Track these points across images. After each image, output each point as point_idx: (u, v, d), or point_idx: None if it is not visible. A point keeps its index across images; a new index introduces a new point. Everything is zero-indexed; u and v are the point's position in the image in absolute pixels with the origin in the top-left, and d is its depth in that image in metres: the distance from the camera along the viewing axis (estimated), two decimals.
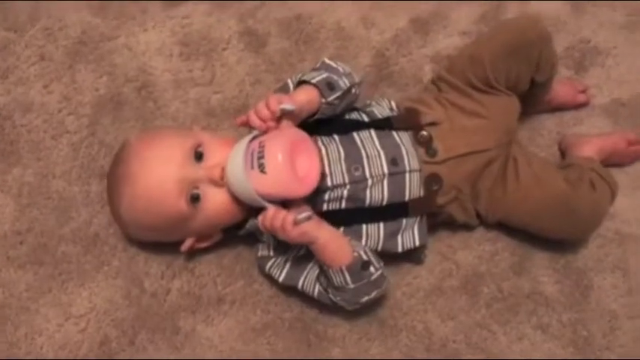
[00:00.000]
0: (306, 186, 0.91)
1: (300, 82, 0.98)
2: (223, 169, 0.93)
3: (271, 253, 1.01)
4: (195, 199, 0.94)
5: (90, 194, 1.10)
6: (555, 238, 1.07)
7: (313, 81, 0.96)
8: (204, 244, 1.03)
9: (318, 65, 1.03)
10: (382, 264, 0.96)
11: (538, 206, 1.02)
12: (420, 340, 1.04)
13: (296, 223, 0.89)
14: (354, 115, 1.04)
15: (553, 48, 1.07)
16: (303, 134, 0.94)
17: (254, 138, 0.93)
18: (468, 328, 1.05)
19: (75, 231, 1.07)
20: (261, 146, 0.90)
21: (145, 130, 1.12)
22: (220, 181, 0.93)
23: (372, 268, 0.94)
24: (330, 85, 0.97)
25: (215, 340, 1.02)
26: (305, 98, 0.95)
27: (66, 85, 1.18)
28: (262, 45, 1.24)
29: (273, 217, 0.90)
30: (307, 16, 1.27)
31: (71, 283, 1.04)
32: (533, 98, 1.12)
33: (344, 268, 0.92)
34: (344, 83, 0.98)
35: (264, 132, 0.93)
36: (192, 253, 1.06)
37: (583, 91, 1.22)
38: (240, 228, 1.02)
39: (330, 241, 0.93)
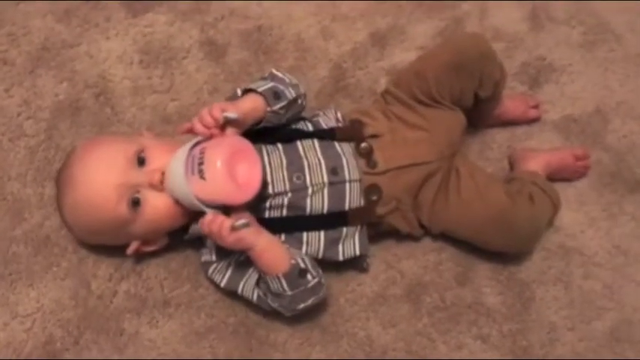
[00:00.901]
0: (245, 193, 0.93)
1: (247, 91, 1.00)
2: (163, 174, 0.95)
3: (213, 258, 1.02)
4: (135, 203, 0.96)
5: (44, 197, 1.12)
6: (496, 250, 1.09)
7: (259, 89, 0.98)
8: (150, 248, 1.04)
9: (265, 75, 1.05)
10: (321, 272, 0.98)
11: (478, 219, 1.04)
12: (360, 347, 1.05)
13: (233, 229, 0.91)
14: (300, 125, 1.06)
15: (498, 65, 1.09)
16: (245, 142, 0.96)
17: (196, 144, 0.95)
18: (408, 337, 1.06)
19: (27, 232, 1.09)
20: (202, 152, 0.92)
21: (92, 137, 1.15)
22: (160, 186, 0.95)
23: (309, 276, 0.96)
24: (276, 95, 0.99)
25: (158, 342, 1.04)
26: (250, 106, 0.97)
27: (26, 90, 1.20)
28: (222, 55, 1.27)
29: (211, 221, 0.92)
30: (268, 28, 1.30)
31: (20, 282, 1.06)
32: (480, 112, 1.15)
33: (281, 275, 0.94)
34: (290, 93, 1.01)
35: (208, 138, 0.96)
36: (141, 257, 1.08)
37: (535, 107, 1.24)
38: (185, 233, 1.04)
39: (268, 248, 0.95)
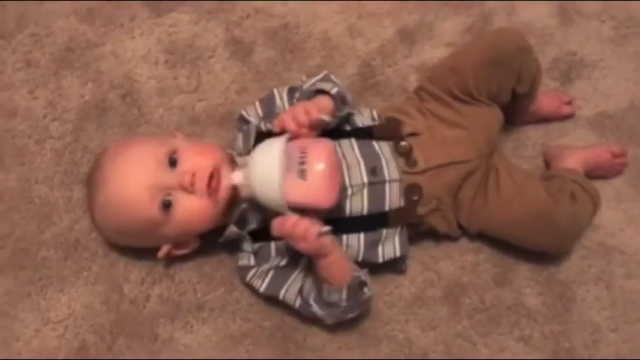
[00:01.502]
0: (333, 199, 0.91)
1: (317, 92, 0.98)
2: (194, 176, 0.92)
3: (252, 263, 1.00)
4: (167, 205, 0.93)
5: (72, 200, 1.10)
6: (536, 249, 1.07)
7: (332, 92, 0.96)
8: (181, 252, 1.02)
9: (321, 77, 1.02)
10: None
11: (518, 218, 1.02)
12: (400, 350, 1.03)
13: (320, 234, 0.88)
14: (337, 124, 1.04)
15: (534, 60, 1.07)
16: (331, 145, 0.94)
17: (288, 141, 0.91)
18: (448, 339, 1.04)
19: (56, 236, 1.07)
20: (303, 152, 0.89)
21: (124, 137, 1.12)
22: (191, 188, 0.92)
23: (366, 289, 0.95)
24: (344, 100, 0.98)
25: (193, 347, 1.02)
26: (330, 110, 0.96)
27: (51, 91, 1.18)
28: (248, 54, 1.24)
29: (295, 224, 0.88)
30: (294, 26, 1.28)
31: (50, 288, 1.04)
32: (516, 109, 1.12)
33: (345, 286, 0.92)
34: (350, 98, 1.00)
35: (295, 137, 0.92)
36: (173, 260, 1.05)
37: (568, 103, 1.22)
38: (220, 235, 1.01)
39: (339, 258, 0.93)
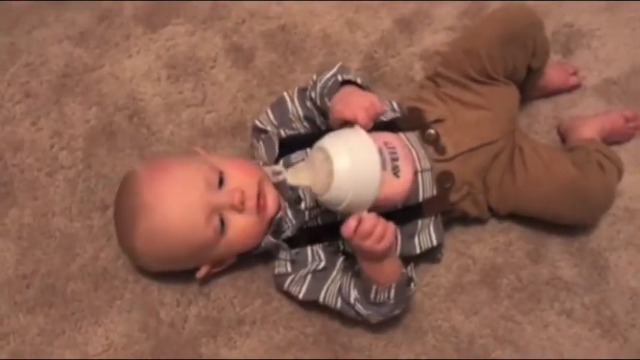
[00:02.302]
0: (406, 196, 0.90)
1: (342, 82, 0.94)
2: (244, 193, 0.90)
3: (289, 270, 0.98)
4: (221, 225, 0.91)
5: (93, 229, 1.07)
6: (569, 223, 1.07)
7: (359, 81, 0.95)
8: (219, 269, 1.01)
9: (336, 69, 0.99)
10: None
11: (549, 194, 1.02)
12: (447, 340, 1.02)
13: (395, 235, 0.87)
14: None
15: (545, 33, 1.07)
16: None
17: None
18: (493, 322, 1.03)
19: (82, 268, 1.04)
20: (391, 147, 0.87)
21: (150, 159, 1.09)
22: (241, 206, 0.91)
23: (412, 285, 0.95)
24: (366, 89, 0.96)
25: None
26: None
27: (55, 120, 1.15)
28: (250, 60, 1.22)
29: (375, 223, 0.83)
30: (291, 26, 1.26)
31: (85, 321, 1.01)
32: (528, 85, 1.12)
33: (394, 284, 0.91)
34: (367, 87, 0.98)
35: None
36: (207, 279, 1.03)
37: (574, 74, 1.22)
38: (254, 248, 0.99)
39: (395, 258, 0.92)
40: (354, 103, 0.85)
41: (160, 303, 1.02)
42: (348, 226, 0.83)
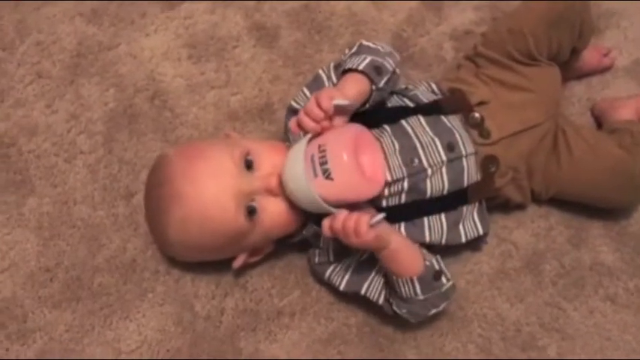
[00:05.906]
0: (373, 186, 0.85)
1: (345, 71, 0.91)
2: (279, 177, 0.86)
3: (331, 259, 0.94)
4: (251, 212, 0.86)
5: (118, 218, 1.01)
6: (614, 206, 1.05)
7: (360, 67, 0.89)
8: (256, 258, 0.96)
9: (355, 49, 0.95)
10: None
11: (596, 177, 0.99)
12: (493, 328, 0.99)
13: (371, 225, 0.82)
14: (397, 102, 0.98)
15: (591, 14, 1.03)
16: (362, 128, 0.88)
17: (309, 141, 0.85)
18: (538, 309, 1.01)
19: (109, 259, 0.98)
20: (322, 150, 0.82)
21: (183, 144, 1.03)
22: (277, 190, 0.86)
23: (443, 279, 0.89)
24: (378, 70, 0.90)
25: (282, 357, 0.95)
26: (355, 88, 0.88)
27: (71, 103, 1.08)
28: (274, 39, 1.17)
29: (345, 220, 0.82)
30: (315, 4, 1.20)
31: (115, 316, 0.95)
32: (568, 66, 1.09)
33: (415, 277, 0.86)
34: (389, 64, 0.92)
35: (318, 134, 0.86)
36: (242, 269, 0.98)
37: (606, 54, 1.20)
38: (292, 236, 0.95)
39: (402, 246, 0.87)
40: (302, 110, 0.85)
41: (194, 295, 0.97)
42: (324, 226, 0.84)
